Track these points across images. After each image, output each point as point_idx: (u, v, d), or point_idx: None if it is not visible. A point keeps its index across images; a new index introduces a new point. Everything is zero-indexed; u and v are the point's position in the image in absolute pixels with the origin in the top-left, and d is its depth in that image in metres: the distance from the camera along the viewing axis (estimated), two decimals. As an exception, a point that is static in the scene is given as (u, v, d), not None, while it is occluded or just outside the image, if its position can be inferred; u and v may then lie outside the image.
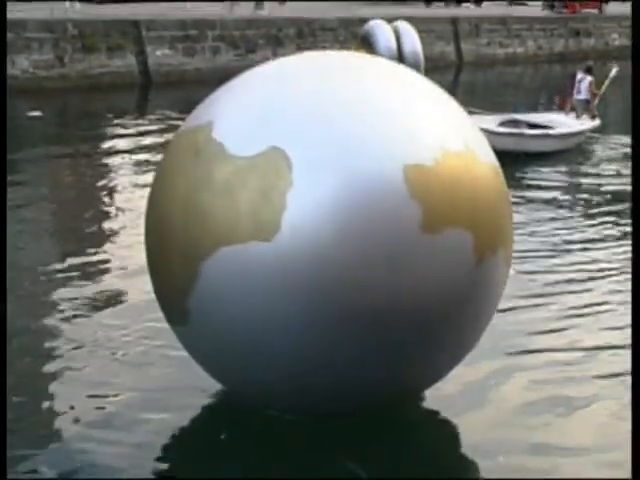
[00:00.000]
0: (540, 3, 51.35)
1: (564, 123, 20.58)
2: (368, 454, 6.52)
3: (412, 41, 8.65)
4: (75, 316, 9.43)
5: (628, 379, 7.26)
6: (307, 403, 6.35)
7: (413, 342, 6.01)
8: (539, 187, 16.17)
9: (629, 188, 16.59)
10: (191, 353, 6.61)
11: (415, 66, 8.70)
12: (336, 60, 6.91)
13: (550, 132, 19.92)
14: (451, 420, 7.16)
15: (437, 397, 7.26)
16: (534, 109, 22.23)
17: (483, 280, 6.25)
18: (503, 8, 47.64)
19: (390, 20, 8.83)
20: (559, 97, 23.66)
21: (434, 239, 5.73)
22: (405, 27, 8.61)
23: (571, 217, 14.51)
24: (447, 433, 7.11)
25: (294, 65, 6.80)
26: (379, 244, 5.60)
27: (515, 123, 20.03)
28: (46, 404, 7.45)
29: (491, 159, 6.43)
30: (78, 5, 30.25)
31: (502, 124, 19.46)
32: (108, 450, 6.63)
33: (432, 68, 7.10)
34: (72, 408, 7.39)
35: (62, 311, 9.66)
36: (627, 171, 17.55)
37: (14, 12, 27.12)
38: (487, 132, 18.10)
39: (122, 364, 8.21)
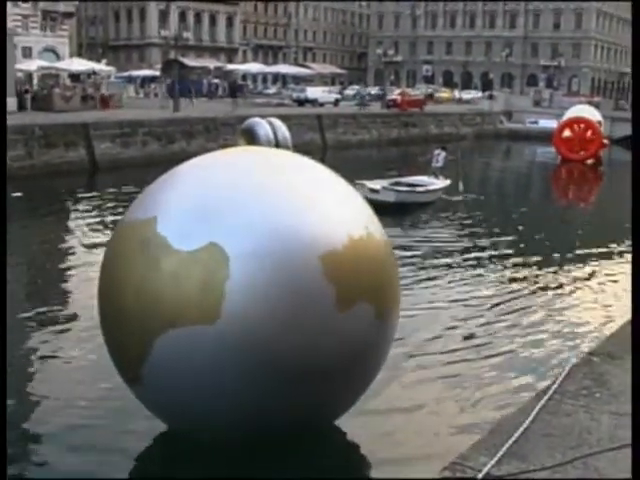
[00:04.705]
0: (379, 103, 52.92)
1: (431, 182, 22.52)
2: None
3: (283, 132, 9.00)
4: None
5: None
6: (235, 436, 6.02)
7: (325, 389, 5.75)
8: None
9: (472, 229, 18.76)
10: (142, 403, 6.28)
11: (287, 149, 8.83)
12: (252, 159, 6.39)
13: (429, 188, 21.78)
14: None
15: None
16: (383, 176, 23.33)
17: (381, 337, 6.05)
18: (353, 108, 48.82)
19: (264, 117, 9.33)
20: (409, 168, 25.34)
21: (346, 314, 5.47)
22: (276, 121, 9.00)
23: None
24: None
25: (224, 160, 6.36)
26: (301, 322, 5.33)
27: (398, 183, 21.61)
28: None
29: (384, 236, 6.19)
30: None
31: (391, 184, 20.95)
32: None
33: (304, 151, 7.57)
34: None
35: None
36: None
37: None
38: (390, 190, 19.87)
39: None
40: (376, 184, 20.17)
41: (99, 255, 14.43)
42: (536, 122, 53.80)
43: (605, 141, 38.23)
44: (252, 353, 5.29)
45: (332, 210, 5.77)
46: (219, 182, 5.77)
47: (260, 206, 5.50)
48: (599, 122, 38.40)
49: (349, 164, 29.51)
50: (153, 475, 6.85)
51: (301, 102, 49.07)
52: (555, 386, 4.87)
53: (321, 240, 5.44)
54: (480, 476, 3.72)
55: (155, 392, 5.88)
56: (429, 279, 13.67)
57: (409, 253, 15.23)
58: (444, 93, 73.66)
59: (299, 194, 5.74)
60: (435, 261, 15.18)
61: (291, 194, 5.70)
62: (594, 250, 17.28)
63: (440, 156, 23.55)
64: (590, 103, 52.33)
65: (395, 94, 55.61)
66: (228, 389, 5.45)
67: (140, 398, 6.23)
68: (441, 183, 22.49)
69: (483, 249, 16.55)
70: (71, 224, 19.24)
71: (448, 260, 15.20)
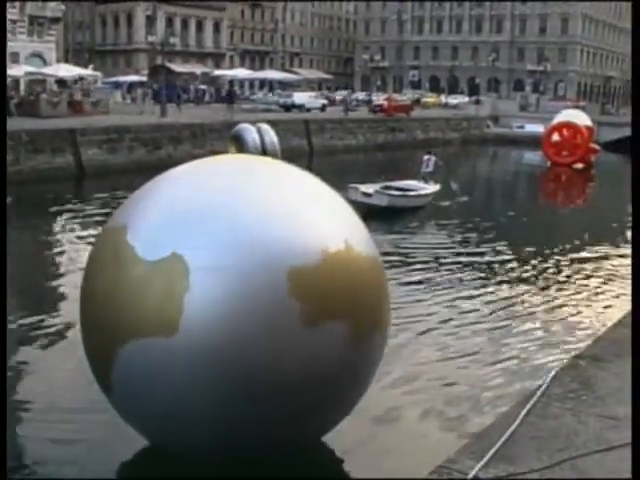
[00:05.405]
0: (367, 108, 53.03)
1: (422, 187, 22.62)
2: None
3: (270, 137, 8.93)
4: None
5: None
6: (203, 451, 5.73)
7: (298, 408, 5.43)
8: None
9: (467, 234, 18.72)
10: (117, 411, 6.12)
11: (274, 155, 8.72)
12: (233, 168, 6.19)
13: (420, 192, 21.90)
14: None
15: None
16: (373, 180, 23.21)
17: (359, 358, 5.63)
18: (340, 112, 48.78)
19: (254, 123, 9.25)
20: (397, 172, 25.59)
21: (313, 332, 5.19)
22: (265, 127, 8.95)
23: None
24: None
25: (204, 170, 6.15)
26: (262, 338, 5.08)
27: (389, 187, 21.59)
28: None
29: (371, 251, 5.84)
30: None
31: (382, 188, 20.96)
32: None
33: (291, 156, 7.40)
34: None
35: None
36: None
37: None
38: (383, 194, 19.94)
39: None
40: (369, 188, 20.33)
41: (84, 261, 14.50)
42: (522, 127, 54.02)
43: (596, 146, 38.29)
44: (209, 369, 5.12)
45: (309, 222, 5.49)
46: (194, 192, 5.61)
47: (231, 217, 5.31)
48: (588, 127, 38.41)
49: (335, 169, 29.51)
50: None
51: (288, 107, 49.05)
52: (542, 389, 4.91)
53: (291, 254, 5.18)
54: (469, 477, 3.75)
55: (123, 402, 5.80)
56: (420, 282, 13.72)
57: (401, 256, 15.26)
58: (430, 98, 73.78)
59: (276, 205, 5.49)
60: (426, 265, 15.20)
61: (267, 205, 5.45)
62: (586, 252, 17.36)
63: (430, 161, 23.88)
64: (576, 107, 52.56)
65: (381, 99, 55.76)
66: (186, 404, 5.29)
67: (113, 407, 6.14)
68: (431, 188, 22.71)
69: (475, 252, 16.58)
70: (58, 230, 19.16)
71: (440, 264, 15.22)
